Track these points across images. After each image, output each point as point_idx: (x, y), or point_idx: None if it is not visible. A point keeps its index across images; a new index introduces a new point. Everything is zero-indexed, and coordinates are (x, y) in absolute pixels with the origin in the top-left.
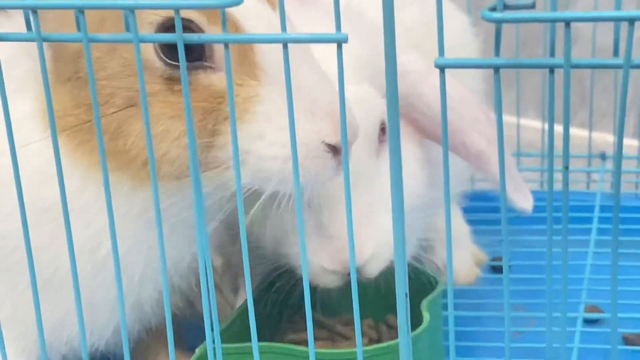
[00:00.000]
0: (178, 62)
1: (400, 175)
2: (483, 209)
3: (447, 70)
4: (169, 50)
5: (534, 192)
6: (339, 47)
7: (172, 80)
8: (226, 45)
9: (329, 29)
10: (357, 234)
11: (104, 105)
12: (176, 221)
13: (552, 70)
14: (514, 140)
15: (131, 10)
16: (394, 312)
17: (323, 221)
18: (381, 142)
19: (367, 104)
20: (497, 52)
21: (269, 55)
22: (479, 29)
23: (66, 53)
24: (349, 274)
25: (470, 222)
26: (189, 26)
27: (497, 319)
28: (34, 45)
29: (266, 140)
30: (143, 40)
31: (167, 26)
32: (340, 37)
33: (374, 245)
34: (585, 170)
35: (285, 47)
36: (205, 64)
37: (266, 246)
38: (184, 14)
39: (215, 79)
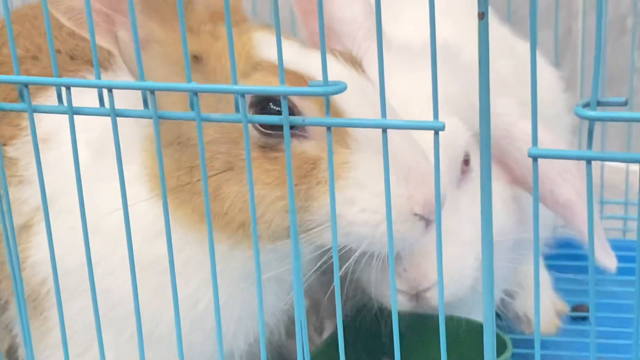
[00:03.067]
0: (272, 131)
1: (490, 222)
2: (562, 256)
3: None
4: None
5: (617, 241)
6: (436, 134)
7: (266, 148)
8: (328, 129)
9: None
10: (424, 261)
11: None
12: (269, 278)
13: None
14: (597, 184)
15: (242, 94)
16: None
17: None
18: (463, 173)
19: (452, 135)
20: (589, 145)
21: None
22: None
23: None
24: (415, 297)
25: (549, 268)
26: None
27: None
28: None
29: (358, 206)
30: (251, 121)
31: (260, 100)
32: (438, 125)
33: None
34: None
35: (384, 132)
36: (298, 132)
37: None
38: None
39: (307, 146)
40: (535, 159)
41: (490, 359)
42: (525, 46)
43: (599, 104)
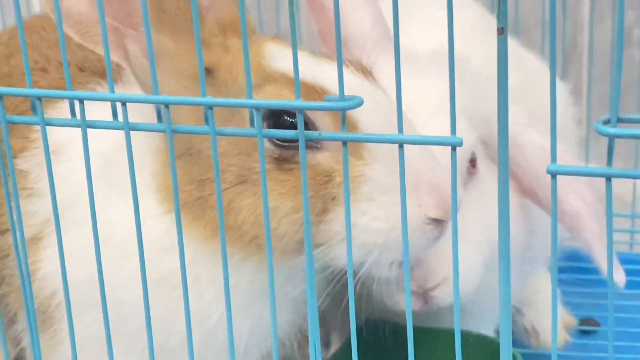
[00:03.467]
0: (286, 143)
1: (507, 225)
2: (569, 269)
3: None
4: None
5: (624, 254)
6: (453, 150)
7: (280, 160)
8: (344, 143)
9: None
10: (432, 260)
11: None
12: (281, 294)
13: None
14: (603, 195)
15: (257, 108)
16: None
17: None
18: (469, 175)
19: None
20: (609, 162)
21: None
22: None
23: None
24: (423, 296)
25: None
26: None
27: None
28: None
29: (370, 214)
30: (266, 136)
31: (274, 112)
32: (456, 140)
33: (448, 271)
34: None
35: (401, 147)
36: (312, 144)
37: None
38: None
39: (321, 159)
40: (554, 175)
41: None
42: (533, 58)
43: (619, 120)
